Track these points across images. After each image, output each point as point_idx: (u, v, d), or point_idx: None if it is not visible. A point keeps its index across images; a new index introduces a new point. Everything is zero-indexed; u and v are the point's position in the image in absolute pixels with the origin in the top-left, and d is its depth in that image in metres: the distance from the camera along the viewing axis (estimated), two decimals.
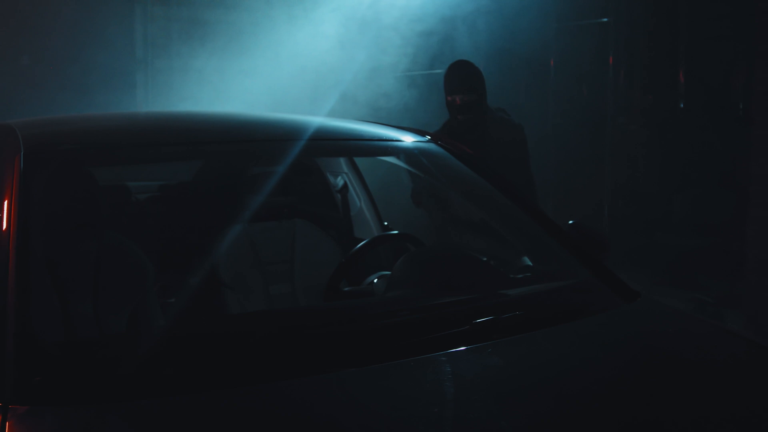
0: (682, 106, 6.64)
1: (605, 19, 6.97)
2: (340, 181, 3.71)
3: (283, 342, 2.03)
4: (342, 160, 3.69)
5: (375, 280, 2.92)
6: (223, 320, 2.50)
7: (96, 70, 6.80)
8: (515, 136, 4.38)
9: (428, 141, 3.09)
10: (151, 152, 2.58)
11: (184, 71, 6.94)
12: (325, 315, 2.32)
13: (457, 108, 4.33)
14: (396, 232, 3.37)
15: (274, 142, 2.85)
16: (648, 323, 2.47)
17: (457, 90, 4.34)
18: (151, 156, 2.67)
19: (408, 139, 3.10)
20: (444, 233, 4.00)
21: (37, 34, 6.85)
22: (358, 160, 3.79)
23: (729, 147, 6.14)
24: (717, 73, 6.43)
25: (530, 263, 2.82)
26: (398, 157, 3.16)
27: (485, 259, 2.88)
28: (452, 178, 3.09)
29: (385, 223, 3.78)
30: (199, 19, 7.03)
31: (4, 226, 2.14)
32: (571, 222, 2.68)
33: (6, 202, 2.22)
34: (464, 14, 7.11)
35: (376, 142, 3.08)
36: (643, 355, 2.21)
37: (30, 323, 1.94)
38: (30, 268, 2.07)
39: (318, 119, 3.12)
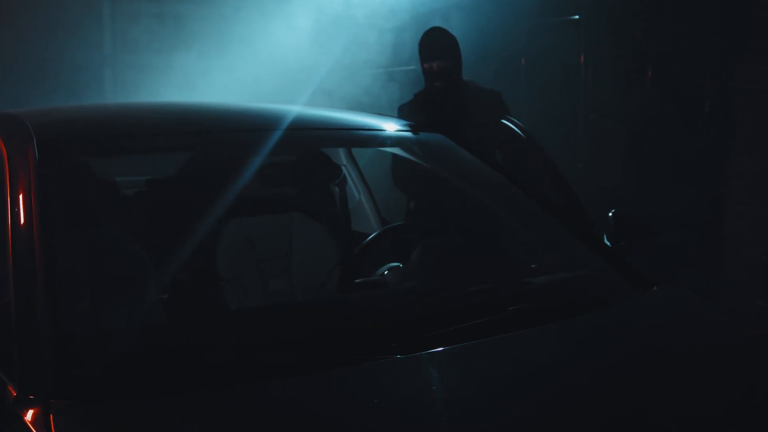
0: (652, 103, 6.71)
1: (576, 17, 7.01)
2: None
3: (330, 332, 2.01)
4: (340, 152, 3.65)
5: (386, 272, 2.90)
6: (262, 312, 2.46)
7: (63, 65, 6.65)
8: (494, 101, 4.32)
9: (433, 131, 3.07)
10: (168, 141, 2.52)
11: (153, 67, 6.82)
12: (364, 306, 2.30)
13: (435, 74, 4.24)
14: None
15: (275, 132, 2.82)
16: (669, 312, 2.49)
17: (435, 56, 4.24)
18: (167, 145, 2.61)
19: (410, 130, 3.08)
20: (416, 219, 3.90)
21: (3, 29, 6.68)
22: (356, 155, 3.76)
23: (699, 144, 6.23)
24: (686, 71, 6.52)
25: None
26: (402, 148, 3.14)
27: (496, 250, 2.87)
28: (459, 169, 3.08)
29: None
30: (168, 14, 6.91)
31: (23, 219, 2.08)
32: (612, 212, 2.67)
33: (24, 192, 2.15)
34: (434, 12, 7.10)
35: (379, 132, 3.05)
36: (671, 343, 2.22)
37: (68, 317, 1.89)
38: (58, 261, 2.01)
39: (319, 110, 3.09)
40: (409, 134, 3.05)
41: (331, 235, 3.39)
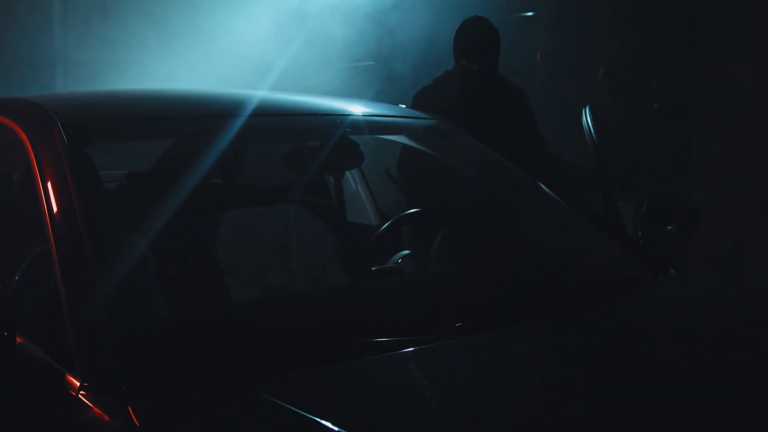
0: (604, 99, 6.82)
1: (531, 13, 7.09)
2: None
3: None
4: None
5: (399, 260, 2.89)
6: (328, 296, 2.42)
7: (12, 61, 6.44)
8: (520, 99, 3.99)
9: (439, 119, 3.07)
10: (191, 125, 2.45)
11: (106, 63, 6.64)
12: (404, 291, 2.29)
13: (471, 75, 3.84)
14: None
15: (277, 117, 2.78)
16: (699, 292, 2.52)
17: (475, 54, 3.82)
18: (191, 129, 2.54)
19: (415, 118, 3.07)
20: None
21: None
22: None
23: (650, 138, 6.36)
24: (637, 67, 6.65)
25: None
26: (407, 136, 3.12)
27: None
28: (468, 156, 3.07)
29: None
30: (121, 9, 6.74)
31: (63, 204, 2.00)
32: (651, 199, 2.69)
33: (58, 177, 2.07)
34: (387, 9, 7.09)
35: (386, 119, 3.03)
36: (711, 322, 2.24)
37: (132, 303, 1.83)
38: (107, 247, 1.94)
39: (321, 98, 3.06)
40: (417, 122, 3.04)
41: (327, 226, 3.35)
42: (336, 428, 1.51)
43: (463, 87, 3.85)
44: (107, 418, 1.61)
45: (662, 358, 1.93)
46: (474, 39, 3.87)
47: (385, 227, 2.82)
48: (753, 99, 5.25)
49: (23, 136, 2.26)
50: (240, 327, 1.90)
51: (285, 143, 3.15)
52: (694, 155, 5.75)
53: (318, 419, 1.54)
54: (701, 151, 5.71)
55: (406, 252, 2.88)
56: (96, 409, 1.63)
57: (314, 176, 3.63)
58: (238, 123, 2.63)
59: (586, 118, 3.03)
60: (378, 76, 7.11)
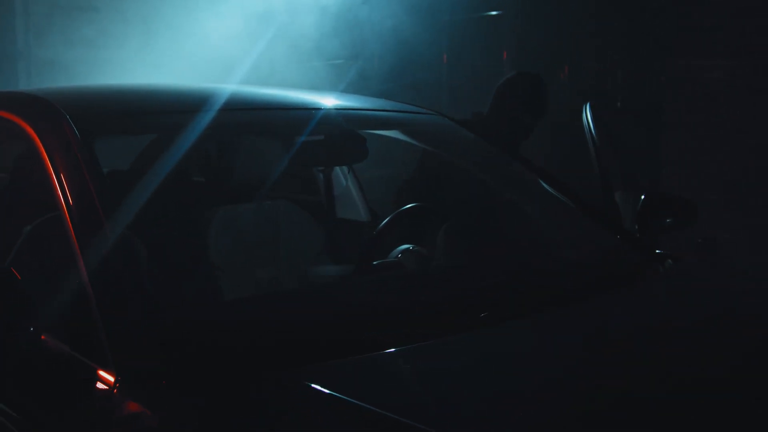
0: (571, 96, 6.90)
1: (497, 12, 7.13)
2: None
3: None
4: None
5: (399, 255, 2.90)
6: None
7: None
8: None
9: (433, 113, 3.07)
10: (201, 117, 2.43)
11: (71, 63, 6.52)
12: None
13: (524, 128, 3.91)
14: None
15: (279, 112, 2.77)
16: (700, 281, 2.57)
17: (537, 112, 3.90)
18: (196, 122, 2.52)
19: (411, 112, 3.07)
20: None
21: None
22: None
23: (618, 136, 6.45)
24: (601, 67, 6.75)
25: None
26: (401, 131, 3.13)
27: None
28: (462, 150, 3.09)
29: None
30: (87, 7, 6.63)
31: (81, 196, 1.97)
32: (647, 193, 2.73)
33: (73, 170, 2.03)
34: (349, 8, 7.09)
35: (381, 113, 3.03)
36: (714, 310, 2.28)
37: (160, 295, 1.82)
38: (129, 239, 1.92)
39: (313, 93, 3.06)
40: (412, 116, 3.05)
41: (315, 222, 3.35)
42: (378, 410, 1.52)
43: (508, 135, 3.89)
44: (148, 412, 1.59)
45: (670, 348, 1.97)
46: (542, 96, 3.94)
47: (386, 222, 2.82)
48: (722, 96, 5.37)
49: (29, 130, 2.22)
50: (274, 317, 1.89)
51: (278, 138, 3.15)
52: (663, 152, 5.85)
53: (361, 403, 1.55)
54: (670, 147, 5.82)
55: (407, 246, 2.88)
56: (135, 404, 1.61)
57: (305, 173, 3.63)
58: (241, 117, 2.62)
59: (587, 115, 3.06)
60: (347, 74, 7.12)
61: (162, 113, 2.44)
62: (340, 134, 2.69)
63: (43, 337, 1.81)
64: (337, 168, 3.54)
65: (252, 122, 2.63)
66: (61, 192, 1.97)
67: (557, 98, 6.88)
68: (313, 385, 1.61)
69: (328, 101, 2.89)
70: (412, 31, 7.08)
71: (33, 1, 6.72)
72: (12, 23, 6.66)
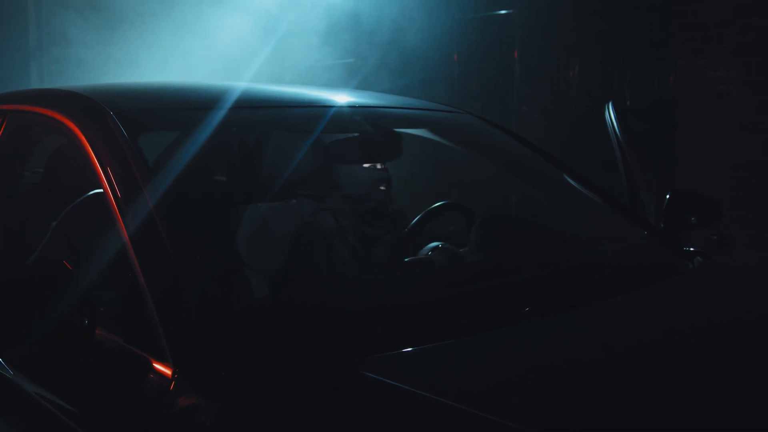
0: (577, 96, 6.93)
1: (507, 11, 7.15)
2: None
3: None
4: None
5: (430, 252, 2.92)
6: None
7: None
8: None
9: (463, 111, 3.09)
10: (243, 114, 2.45)
11: (82, 60, 6.53)
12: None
13: None
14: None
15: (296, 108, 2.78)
16: (731, 280, 2.58)
17: None
18: (240, 118, 2.54)
19: (441, 110, 3.08)
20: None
21: None
22: None
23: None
24: (611, 66, 6.77)
25: None
26: (430, 130, 3.15)
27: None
28: (494, 149, 3.11)
29: None
30: (99, 6, 6.64)
31: (132, 192, 1.99)
32: (673, 191, 2.74)
33: (120, 165, 2.05)
34: (363, 7, 7.12)
35: (411, 111, 3.05)
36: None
37: (217, 288, 1.83)
38: (182, 233, 1.94)
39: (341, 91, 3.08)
40: (441, 114, 3.07)
41: (337, 222, 3.36)
42: (437, 398, 1.54)
43: None
44: (208, 403, 1.60)
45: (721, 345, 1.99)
46: None
47: (416, 221, 2.85)
48: (725, 94, 5.40)
49: (73, 126, 2.23)
50: (330, 308, 1.91)
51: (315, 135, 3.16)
52: (668, 150, 5.88)
53: (420, 391, 1.57)
54: (676, 145, 5.84)
55: (437, 243, 2.90)
56: (196, 395, 1.62)
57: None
58: (278, 114, 2.64)
59: (609, 114, 3.08)
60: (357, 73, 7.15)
61: (202, 109, 2.45)
62: (376, 132, 2.71)
63: (97, 330, 1.83)
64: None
65: (289, 120, 2.66)
66: (110, 187, 1.98)
67: (567, 96, 6.94)
68: (371, 375, 1.63)
69: (361, 99, 2.91)
70: (424, 30, 7.09)
71: (45, 2, 6.73)
72: (25, 23, 6.67)
